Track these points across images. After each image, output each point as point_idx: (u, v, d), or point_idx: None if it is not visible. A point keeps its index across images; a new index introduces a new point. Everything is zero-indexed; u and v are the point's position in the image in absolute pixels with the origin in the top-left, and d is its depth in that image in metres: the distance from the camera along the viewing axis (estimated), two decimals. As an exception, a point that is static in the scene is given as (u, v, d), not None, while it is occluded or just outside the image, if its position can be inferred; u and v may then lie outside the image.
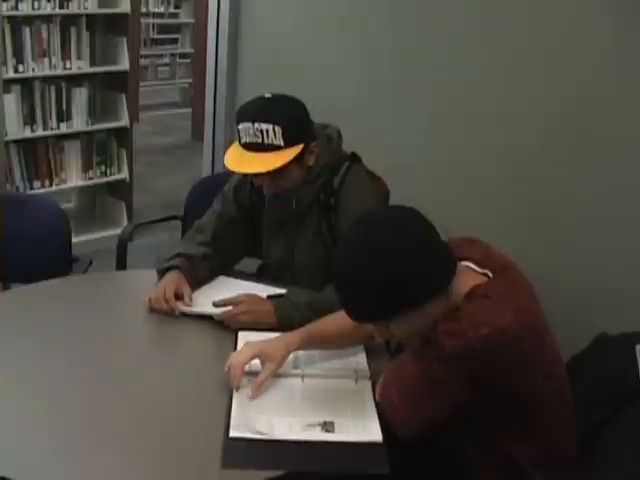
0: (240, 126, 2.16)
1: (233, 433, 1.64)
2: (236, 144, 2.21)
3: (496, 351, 1.57)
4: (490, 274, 1.71)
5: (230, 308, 2.13)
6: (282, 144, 2.13)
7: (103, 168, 4.94)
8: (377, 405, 1.75)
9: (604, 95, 2.56)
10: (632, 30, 2.46)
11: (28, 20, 4.33)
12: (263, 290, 2.26)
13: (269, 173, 2.16)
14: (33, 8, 4.32)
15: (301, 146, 2.18)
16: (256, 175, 2.25)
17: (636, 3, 2.46)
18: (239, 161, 2.18)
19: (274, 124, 2.11)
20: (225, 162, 2.20)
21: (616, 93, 2.54)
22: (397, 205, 1.73)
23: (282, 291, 2.23)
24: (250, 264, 2.63)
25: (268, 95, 2.22)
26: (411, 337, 1.71)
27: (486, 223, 2.78)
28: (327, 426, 1.67)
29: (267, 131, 2.11)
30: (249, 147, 2.15)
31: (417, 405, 1.67)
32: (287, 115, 2.16)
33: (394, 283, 1.58)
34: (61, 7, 4.44)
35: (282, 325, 2.09)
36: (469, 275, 1.70)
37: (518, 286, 1.69)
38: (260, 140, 2.12)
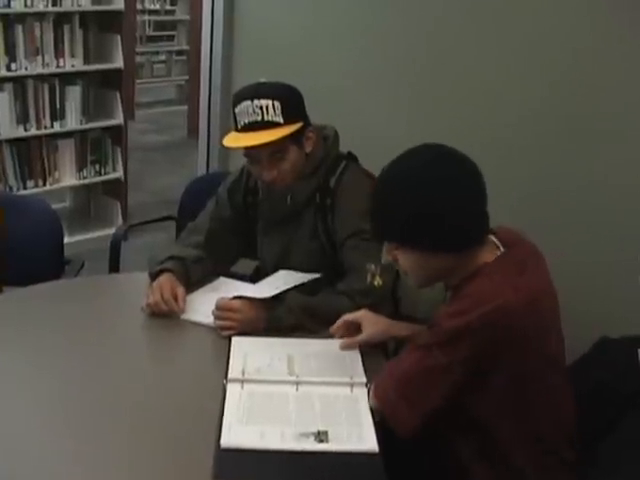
0: (237, 108, 2.15)
1: (224, 443, 1.60)
2: (233, 132, 2.20)
3: (495, 328, 1.58)
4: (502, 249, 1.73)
5: (223, 322, 2.10)
6: (281, 121, 2.13)
7: (97, 167, 4.91)
8: (373, 413, 1.72)
9: (603, 87, 2.55)
10: (632, 27, 2.45)
11: (21, 18, 4.31)
12: (259, 290, 2.20)
13: (268, 147, 2.14)
14: (26, 5, 4.30)
15: (300, 124, 2.18)
16: (255, 159, 2.20)
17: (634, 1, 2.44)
18: (239, 140, 2.17)
19: (273, 99, 2.12)
20: (224, 142, 2.19)
21: (614, 87, 2.53)
22: (469, 159, 1.72)
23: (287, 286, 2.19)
24: (247, 265, 2.61)
25: (264, 80, 2.23)
26: (411, 273, 1.75)
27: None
28: (321, 436, 1.63)
29: (267, 107, 2.11)
30: (248, 128, 2.14)
31: (417, 398, 1.66)
32: (285, 91, 2.18)
33: (425, 221, 1.64)
34: (54, 4, 4.41)
35: (272, 328, 2.09)
36: (490, 249, 1.73)
37: (526, 265, 1.70)
38: (260, 117, 2.12)
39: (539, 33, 2.66)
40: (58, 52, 4.49)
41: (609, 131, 2.56)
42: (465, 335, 1.59)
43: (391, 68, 3.13)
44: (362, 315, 1.99)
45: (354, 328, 2.00)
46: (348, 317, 2.00)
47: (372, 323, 1.98)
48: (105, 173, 4.96)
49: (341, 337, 2.00)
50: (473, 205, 1.68)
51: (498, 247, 1.74)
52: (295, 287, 2.16)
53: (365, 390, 1.80)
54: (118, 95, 4.85)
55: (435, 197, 1.64)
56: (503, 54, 2.78)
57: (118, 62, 4.78)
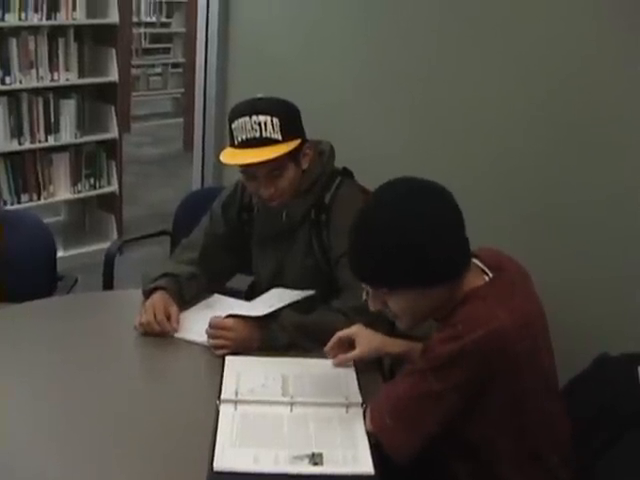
0: (235, 124, 2.12)
1: (217, 466, 1.57)
2: (229, 148, 2.16)
3: (489, 352, 1.57)
4: (490, 274, 1.71)
5: (216, 341, 2.07)
6: (280, 138, 2.10)
7: (92, 181, 4.89)
8: (369, 434, 1.69)
9: (604, 96, 2.54)
10: (630, 33, 2.45)
11: (15, 31, 4.29)
12: (253, 309, 2.17)
13: (266, 165, 2.11)
14: (20, 19, 4.27)
15: (298, 141, 2.16)
16: (252, 176, 2.18)
17: (633, 6, 2.44)
18: (236, 157, 2.14)
19: (272, 116, 2.09)
20: (221, 158, 2.16)
21: (615, 96, 2.52)
22: (443, 188, 1.70)
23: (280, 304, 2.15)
24: (243, 280, 2.59)
25: (261, 95, 2.20)
26: (403, 316, 1.70)
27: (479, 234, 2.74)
28: (315, 458, 1.60)
29: (265, 123, 2.08)
30: (246, 144, 2.11)
31: (414, 423, 1.64)
32: (284, 108, 2.15)
33: (408, 255, 1.59)
34: (49, 18, 4.39)
35: (266, 347, 2.06)
36: (475, 274, 1.70)
37: (515, 287, 1.69)
38: (258, 134, 2.09)
39: (539, 45, 2.65)
40: (52, 66, 4.46)
41: (610, 142, 2.54)
42: (459, 360, 1.57)
43: (389, 82, 3.11)
44: (356, 331, 1.97)
45: (348, 345, 1.97)
46: (342, 333, 1.97)
47: (366, 339, 1.95)
48: (100, 187, 4.93)
49: (335, 356, 1.98)
50: (453, 232, 1.65)
51: (484, 270, 1.72)
52: (289, 305, 2.13)
53: (361, 410, 1.77)
54: (113, 109, 4.83)
55: (415, 229, 1.60)
56: (503, 68, 2.76)
57: (113, 75, 4.76)
